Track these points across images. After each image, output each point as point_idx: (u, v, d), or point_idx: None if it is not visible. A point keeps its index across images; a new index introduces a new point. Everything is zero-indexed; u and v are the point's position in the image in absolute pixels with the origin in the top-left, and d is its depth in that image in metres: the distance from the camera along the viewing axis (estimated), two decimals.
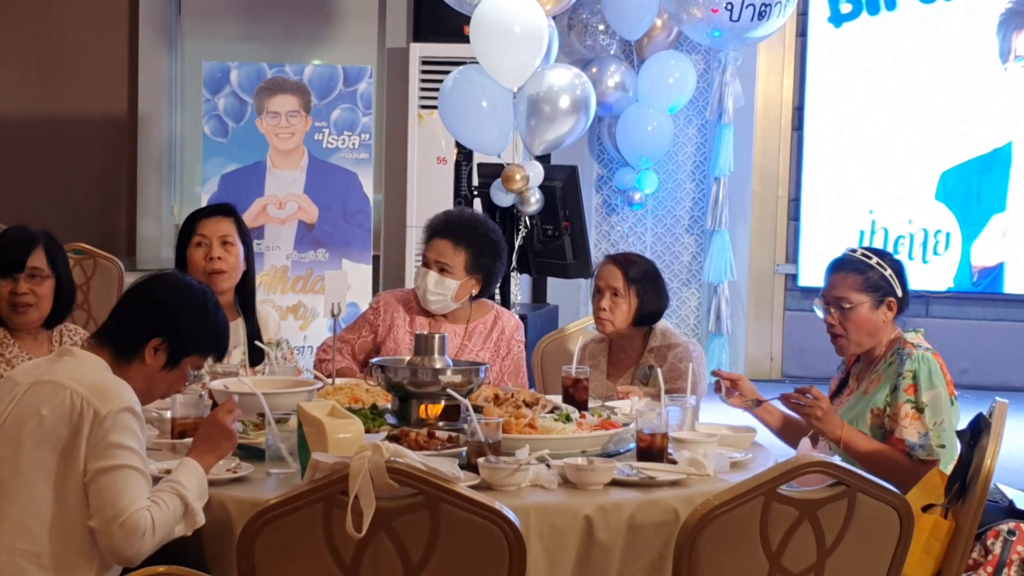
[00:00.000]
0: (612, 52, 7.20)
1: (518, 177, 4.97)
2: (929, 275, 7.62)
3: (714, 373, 3.40)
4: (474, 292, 3.82)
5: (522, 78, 4.87)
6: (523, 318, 5.38)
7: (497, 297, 5.29)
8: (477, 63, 4.97)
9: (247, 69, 6.24)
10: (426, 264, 3.80)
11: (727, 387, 3.37)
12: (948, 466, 3.10)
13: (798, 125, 7.78)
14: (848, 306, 3.33)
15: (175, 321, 2.59)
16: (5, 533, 2.39)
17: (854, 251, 3.41)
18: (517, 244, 5.20)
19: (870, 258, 3.35)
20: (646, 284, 3.74)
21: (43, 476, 2.40)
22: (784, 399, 3.31)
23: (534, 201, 5.07)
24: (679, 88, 7.09)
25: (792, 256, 7.77)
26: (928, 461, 3.14)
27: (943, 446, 3.18)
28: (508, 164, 5.01)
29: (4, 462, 2.42)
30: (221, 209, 3.73)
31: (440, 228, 3.82)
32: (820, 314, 3.39)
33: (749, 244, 7.71)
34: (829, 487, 2.47)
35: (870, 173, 7.71)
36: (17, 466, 2.40)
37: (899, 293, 3.33)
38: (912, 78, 7.64)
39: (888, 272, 3.33)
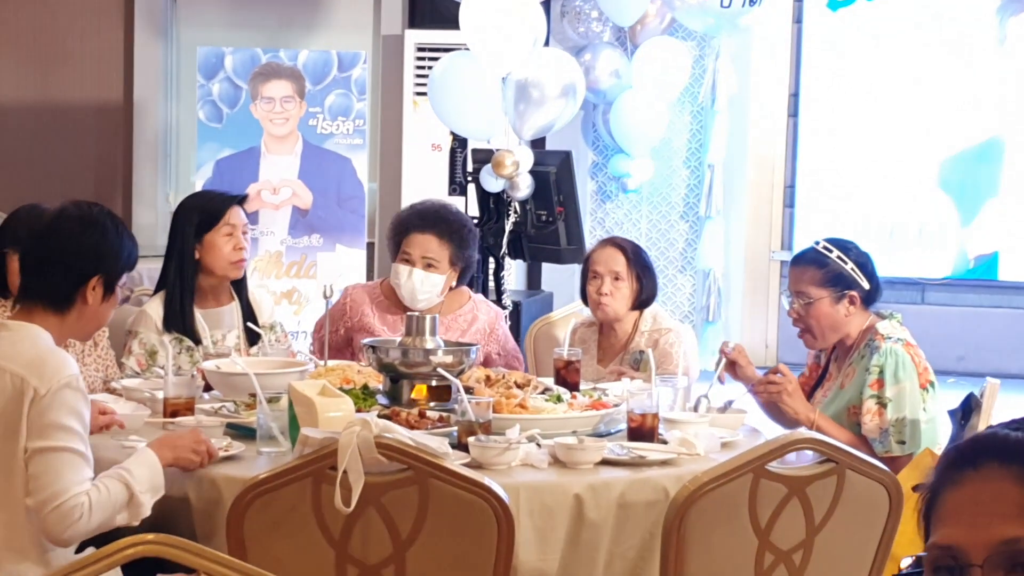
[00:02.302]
0: (605, 39, 7.19)
1: (508, 162, 4.95)
2: (925, 262, 7.63)
3: (722, 350, 3.36)
4: (453, 284, 3.78)
5: (514, 62, 4.86)
6: (516, 305, 5.39)
7: (491, 284, 5.29)
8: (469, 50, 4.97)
9: (241, 55, 6.23)
10: (407, 261, 3.72)
11: (725, 370, 3.34)
12: (936, 447, 3.11)
13: (794, 112, 7.77)
14: (807, 301, 3.30)
15: (103, 255, 2.55)
16: None
17: (817, 243, 3.37)
18: (508, 230, 5.20)
19: (830, 251, 3.31)
20: (645, 267, 3.75)
21: (4, 464, 2.39)
22: (753, 391, 3.30)
23: (524, 186, 5.06)
24: (673, 74, 7.07)
25: (787, 243, 7.77)
26: (886, 458, 3.10)
27: (903, 442, 3.17)
28: (498, 150, 5.00)
29: None
30: (240, 199, 3.70)
31: (421, 222, 3.74)
32: (787, 306, 3.39)
33: (744, 231, 7.71)
34: (818, 464, 2.47)
35: (866, 160, 7.71)
36: None
37: (864, 285, 3.30)
38: (909, 64, 7.63)
39: (849, 266, 3.29)
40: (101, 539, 2.47)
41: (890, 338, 3.23)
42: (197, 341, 3.53)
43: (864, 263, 3.33)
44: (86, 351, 3.46)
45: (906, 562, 1.15)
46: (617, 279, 3.69)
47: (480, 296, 4.05)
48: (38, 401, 2.37)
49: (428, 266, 3.70)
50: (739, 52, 7.31)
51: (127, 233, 2.65)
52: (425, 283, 3.70)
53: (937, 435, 3.20)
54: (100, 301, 2.56)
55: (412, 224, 3.76)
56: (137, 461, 2.48)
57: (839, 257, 3.31)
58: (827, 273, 3.31)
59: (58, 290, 2.52)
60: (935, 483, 1.13)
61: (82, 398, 2.43)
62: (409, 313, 3.21)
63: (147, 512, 2.45)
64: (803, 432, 2.56)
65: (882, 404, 3.18)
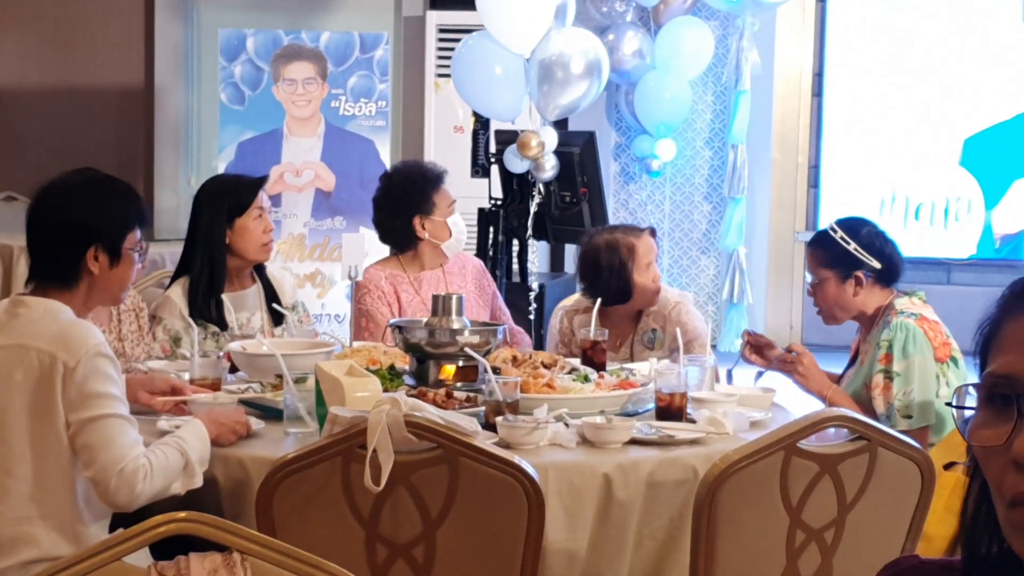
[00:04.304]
0: (628, 19, 7.15)
1: (533, 143, 4.94)
2: (951, 242, 7.57)
3: (745, 334, 3.45)
4: None
5: (531, 43, 4.83)
6: (540, 287, 5.38)
7: (515, 266, 5.28)
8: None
9: (263, 36, 6.21)
10: (451, 212, 3.92)
11: (749, 351, 3.37)
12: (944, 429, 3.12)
13: (818, 91, 7.72)
14: (815, 281, 3.38)
15: (91, 225, 2.50)
16: (10, 507, 2.38)
17: (831, 225, 3.44)
18: (532, 211, 5.18)
19: (835, 232, 3.37)
20: None
21: (31, 442, 2.38)
22: (777, 366, 3.35)
23: (549, 167, 5.04)
24: (697, 54, 7.03)
25: (812, 223, 7.72)
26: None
27: (909, 416, 3.17)
28: (523, 131, 4.98)
29: None
30: (264, 180, 3.70)
31: (440, 175, 3.98)
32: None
33: (769, 211, 7.67)
34: (850, 441, 2.45)
35: (891, 139, 7.65)
36: (5, 438, 2.38)
37: (874, 265, 3.32)
38: (934, 42, 7.57)
39: (852, 246, 3.33)
40: (129, 520, 2.48)
41: (903, 313, 3.26)
42: (224, 327, 3.53)
43: (871, 243, 3.36)
44: (137, 337, 3.45)
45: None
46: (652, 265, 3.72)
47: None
48: (70, 375, 2.36)
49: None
50: (763, 31, 7.26)
51: (120, 194, 2.57)
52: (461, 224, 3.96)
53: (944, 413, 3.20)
54: (108, 267, 2.52)
55: (433, 180, 3.94)
56: (189, 431, 2.50)
57: (842, 238, 3.36)
58: (830, 254, 3.36)
59: (59, 267, 2.50)
60: (996, 315, 1.11)
61: (113, 364, 2.42)
62: (435, 294, 3.21)
63: (199, 482, 2.47)
64: (834, 410, 2.54)
65: (889, 377, 3.21)
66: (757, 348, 3.41)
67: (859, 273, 3.32)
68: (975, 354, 1.12)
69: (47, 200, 2.53)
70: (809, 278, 3.42)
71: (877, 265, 3.32)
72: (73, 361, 2.36)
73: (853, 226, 3.40)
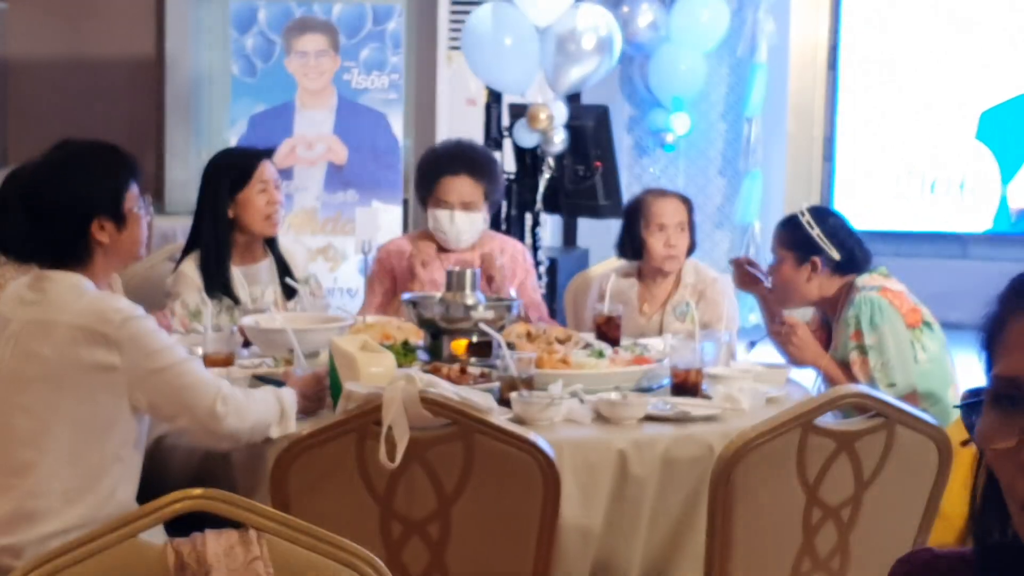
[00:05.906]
0: None
1: (543, 116, 4.92)
2: (967, 216, 7.53)
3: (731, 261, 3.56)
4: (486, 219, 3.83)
5: (555, 14, 4.80)
6: (552, 261, 5.36)
7: (528, 239, 5.26)
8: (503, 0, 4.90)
9: (275, 8, 6.18)
10: (446, 206, 3.71)
11: (743, 273, 3.48)
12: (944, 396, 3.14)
13: (833, 64, 7.66)
14: (776, 259, 3.42)
15: (87, 198, 2.45)
16: (38, 479, 2.37)
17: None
18: (542, 185, 5.16)
19: (803, 215, 3.39)
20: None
21: (59, 415, 2.37)
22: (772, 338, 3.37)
23: (558, 141, 5.02)
24: (712, 27, 6.98)
25: (826, 197, 7.68)
26: None
27: (893, 384, 3.18)
28: (532, 104, 4.96)
29: (20, 410, 2.38)
30: (269, 152, 3.68)
31: (452, 166, 3.74)
32: None
33: (784, 185, 7.63)
34: (867, 419, 2.44)
35: (906, 112, 7.60)
36: (34, 412, 2.37)
37: (833, 255, 3.33)
38: (950, 15, 7.50)
39: (816, 232, 3.34)
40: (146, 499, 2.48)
41: (864, 288, 3.28)
42: (237, 300, 3.52)
43: (835, 233, 3.38)
44: None
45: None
46: (682, 230, 3.70)
47: (503, 235, 4.15)
48: (115, 343, 2.35)
49: (465, 207, 3.70)
50: (778, 3, 7.20)
51: (107, 157, 2.52)
52: (467, 223, 3.72)
53: (948, 374, 3.21)
54: (117, 232, 2.48)
55: (442, 168, 3.75)
56: (283, 389, 2.56)
57: (808, 222, 3.37)
58: (793, 236, 3.39)
59: (68, 247, 2.46)
60: (999, 311, 1.06)
61: (151, 319, 2.43)
62: (449, 268, 3.19)
63: (294, 427, 2.49)
64: (851, 387, 2.52)
65: (863, 352, 3.22)
66: (746, 278, 3.51)
67: (816, 259, 3.34)
68: (980, 347, 1.08)
69: (36, 184, 2.46)
70: (771, 258, 3.44)
71: (836, 256, 3.35)
72: (113, 329, 2.35)
73: (821, 214, 3.44)
